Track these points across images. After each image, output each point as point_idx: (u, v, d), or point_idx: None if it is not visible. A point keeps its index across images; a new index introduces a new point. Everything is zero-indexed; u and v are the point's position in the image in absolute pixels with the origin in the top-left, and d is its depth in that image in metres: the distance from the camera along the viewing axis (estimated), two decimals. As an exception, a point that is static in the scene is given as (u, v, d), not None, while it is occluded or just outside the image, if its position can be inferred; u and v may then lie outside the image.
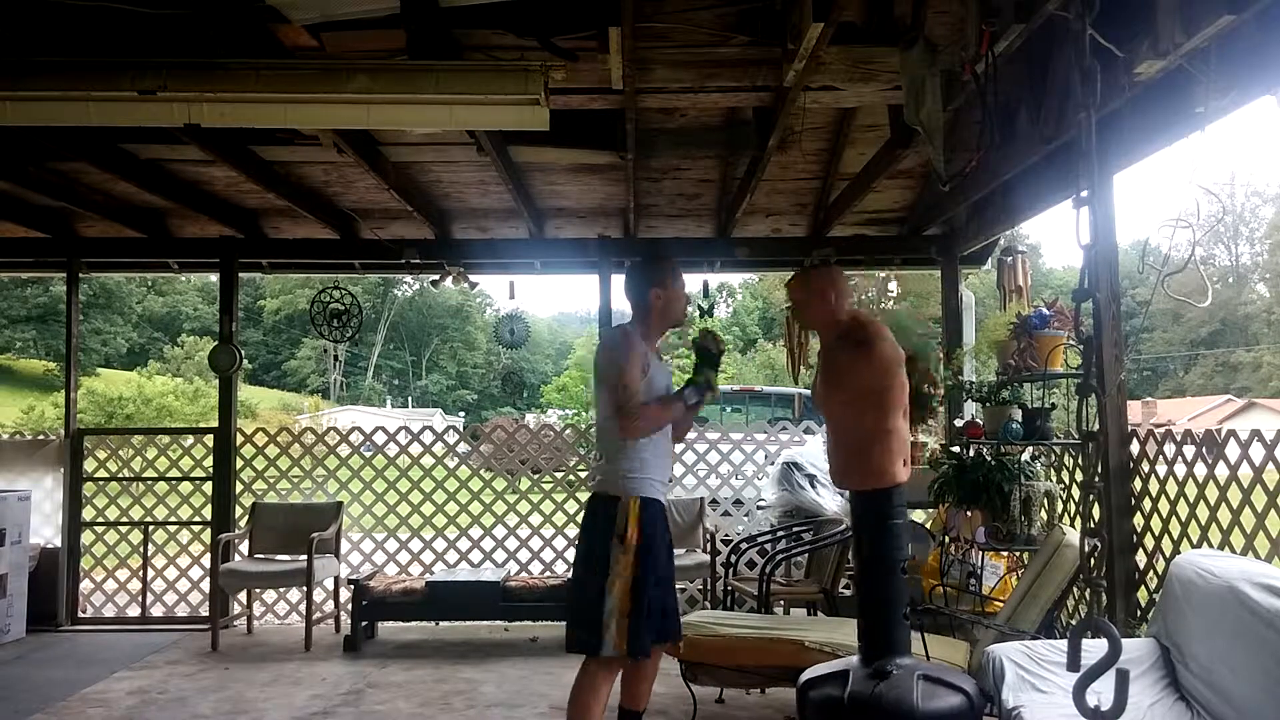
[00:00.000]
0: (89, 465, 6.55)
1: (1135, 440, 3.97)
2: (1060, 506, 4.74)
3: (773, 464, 6.67)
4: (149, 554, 6.50)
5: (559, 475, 7.02)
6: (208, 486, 6.48)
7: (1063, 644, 3.05)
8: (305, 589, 5.77)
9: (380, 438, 6.74)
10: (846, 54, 3.62)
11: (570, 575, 3.55)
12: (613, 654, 3.16)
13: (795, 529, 5.89)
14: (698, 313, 4.46)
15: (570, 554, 6.58)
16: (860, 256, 6.70)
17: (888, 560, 3.03)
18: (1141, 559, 3.92)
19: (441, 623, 6.27)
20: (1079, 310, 2.75)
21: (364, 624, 5.78)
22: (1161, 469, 3.93)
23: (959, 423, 5.21)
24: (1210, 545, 3.61)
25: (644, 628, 3.16)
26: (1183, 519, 3.80)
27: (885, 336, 3.12)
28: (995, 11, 3.08)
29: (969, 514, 4.61)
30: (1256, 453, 3.48)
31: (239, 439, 6.53)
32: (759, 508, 6.69)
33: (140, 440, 6.78)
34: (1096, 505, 3.86)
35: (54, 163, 5.32)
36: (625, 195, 5.83)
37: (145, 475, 6.65)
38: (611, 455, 3.28)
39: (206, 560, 6.34)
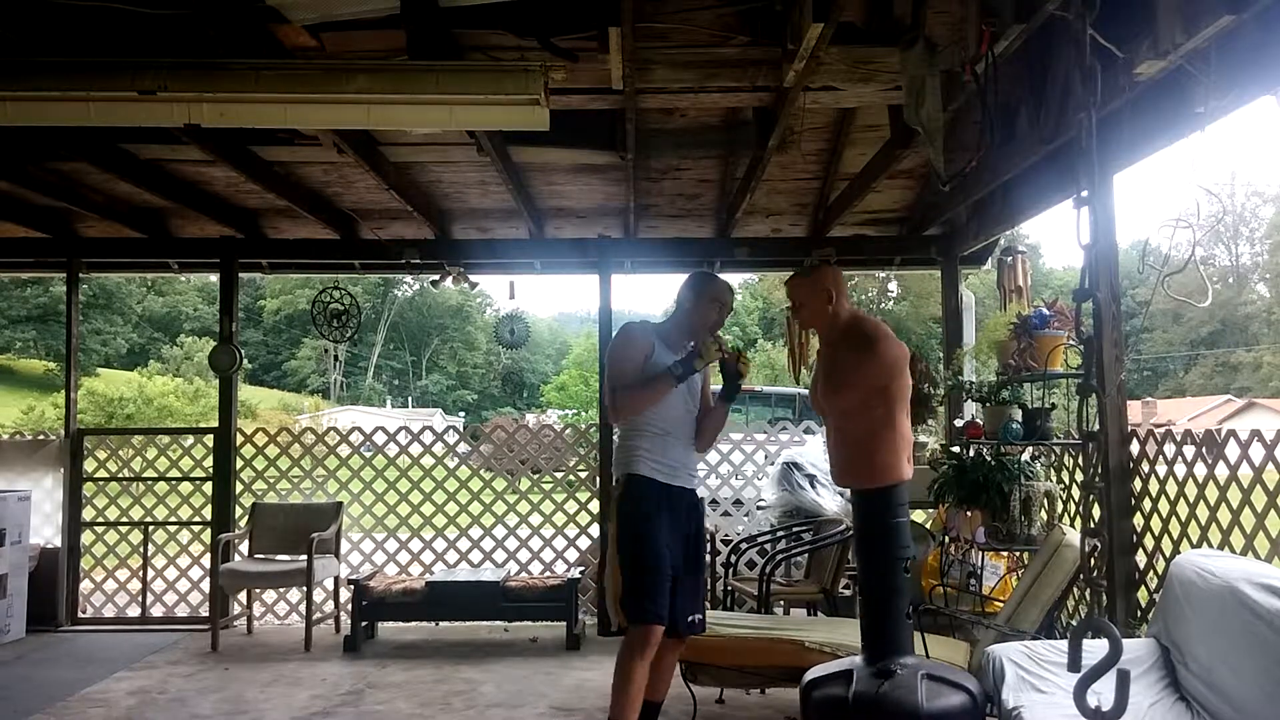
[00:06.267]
0: (89, 465, 6.55)
1: (1135, 440, 3.96)
2: (1060, 506, 4.74)
3: (773, 464, 6.67)
4: (149, 554, 6.50)
5: (559, 475, 7.01)
6: (208, 486, 6.47)
7: (1063, 644, 3.05)
8: (305, 589, 5.77)
9: (380, 438, 6.74)
10: (846, 54, 3.62)
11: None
12: (625, 622, 3.36)
13: (795, 529, 5.89)
14: None
15: (570, 554, 6.61)
16: (860, 256, 6.71)
17: (890, 558, 3.03)
18: (1141, 559, 3.91)
19: (441, 623, 6.27)
20: (1079, 310, 2.76)
21: (364, 624, 5.78)
22: (1161, 469, 3.93)
23: (959, 423, 5.21)
24: (1210, 545, 3.61)
25: (646, 593, 3.30)
26: (1183, 519, 3.80)
27: (889, 335, 3.17)
28: (995, 11, 3.08)
29: (969, 514, 4.61)
30: (1256, 453, 3.48)
31: (239, 439, 6.53)
32: (759, 508, 6.69)
33: (140, 440, 6.78)
34: (1096, 505, 3.86)
35: (54, 163, 5.32)
36: (625, 195, 5.83)
37: (145, 475, 6.65)
38: (618, 441, 3.61)
39: (206, 560, 6.34)
